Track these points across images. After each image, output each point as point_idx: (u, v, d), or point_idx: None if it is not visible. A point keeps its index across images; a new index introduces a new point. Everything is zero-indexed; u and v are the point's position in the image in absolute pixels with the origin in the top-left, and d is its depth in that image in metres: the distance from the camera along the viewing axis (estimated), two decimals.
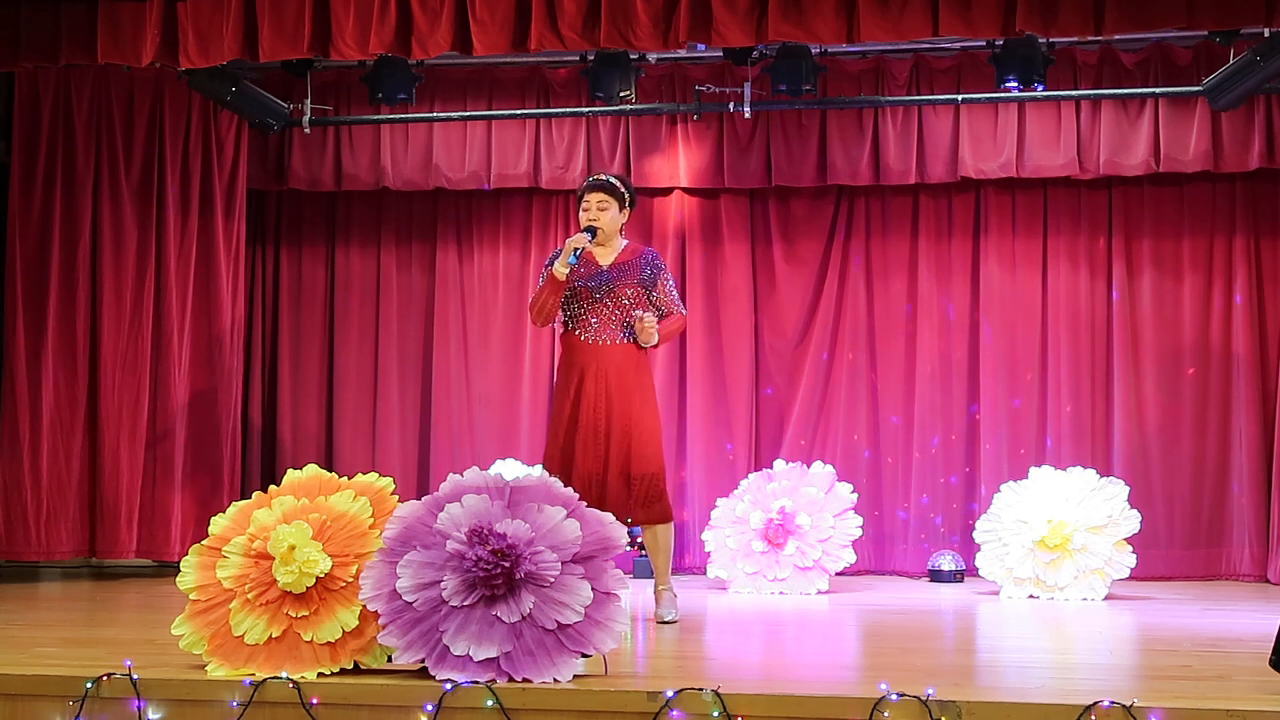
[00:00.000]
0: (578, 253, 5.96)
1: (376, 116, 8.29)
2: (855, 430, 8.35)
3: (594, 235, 6.05)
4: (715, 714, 4.11)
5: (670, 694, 4.15)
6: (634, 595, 6.82)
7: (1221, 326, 8.05)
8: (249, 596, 4.60)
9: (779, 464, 7.72)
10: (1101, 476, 7.37)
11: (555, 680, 4.31)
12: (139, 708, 4.36)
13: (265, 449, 8.69)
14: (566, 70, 8.32)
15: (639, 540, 7.74)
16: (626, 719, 4.20)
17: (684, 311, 6.28)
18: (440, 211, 8.73)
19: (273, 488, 4.87)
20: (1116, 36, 7.19)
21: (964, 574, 7.85)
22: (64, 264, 7.86)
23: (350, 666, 4.50)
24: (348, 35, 6.54)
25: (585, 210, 6.12)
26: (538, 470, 7.44)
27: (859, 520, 7.52)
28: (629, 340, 6.08)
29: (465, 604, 4.40)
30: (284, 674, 4.40)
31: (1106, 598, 7.11)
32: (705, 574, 7.71)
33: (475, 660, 4.34)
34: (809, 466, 7.66)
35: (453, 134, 8.46)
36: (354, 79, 8.14)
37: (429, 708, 4.24)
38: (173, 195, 8.07)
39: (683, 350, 8.33)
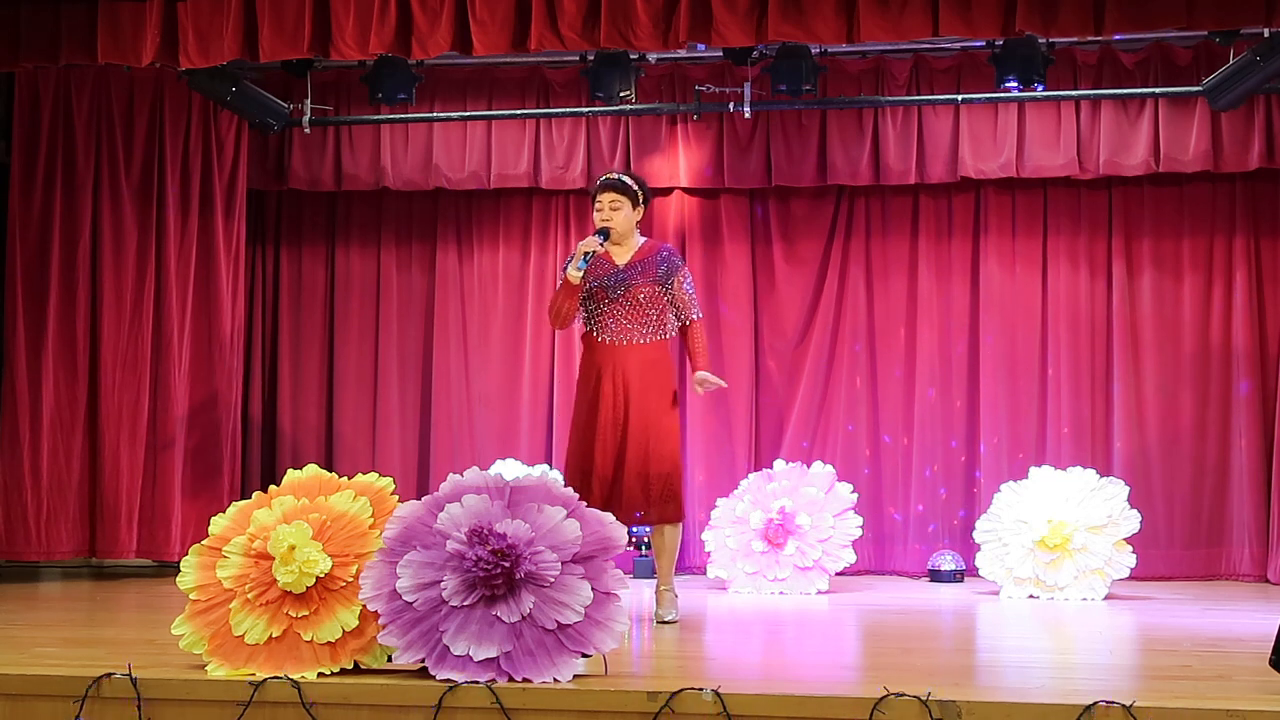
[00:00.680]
0: (588, 257, 5.96)
1: (376, 116, 8.29)
2: (855, 430, 8.35)
3: (606, 237, 6.04)
4: (715, 714, 4.11)
5: (670, 694, 4.15)
6: (634, 595, 6.83)
7: (1221, 326, 8.05)
8: (249, 596, 4.60)
9: (779, 464, 7.72)
10: (1101, 476, 7.37)
11: (555, 680, 4.31)
12: (139, 707, 4.36)
13: (265, 449, 8.69)
14: (566, 70, 8.32)
15: (644, 540, 7.77)
16: (626, 719, 4.20)
17: (699, 315, 6.22)
18: (440, 211, 8.73)
19: (273, 488, 4.87)
20: (1116, 36, 7.20)
21: (964, 574, 7.85)
22: (64, 264, 7.86)
23: (350, 666, 4.50)
24: (348, 35, 6.55)
25: (598, 211, 6.11)
26: (538, 470, 7.48)
27: (859, 520, 7.52)
28: (647, 340, 6.08)
29: (465, 604, 4.40)
30: (284, 674, 4.40)
31: (1106, 598, 7.11)
32: (705, 574, 7.71)
33: (475, 660, 4.34)
34: (809, 466, 7.66)
35: (453, 134, 8.46)
36: (354, 79, 8.13)
37: (429, 708, 4.23)
38: (173, 195, 8.07)
39: (683, 351, 8.33)
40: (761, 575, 7.40)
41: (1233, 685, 4.49)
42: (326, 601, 4.55)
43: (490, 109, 8.41)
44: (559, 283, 6.11)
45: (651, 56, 7.88)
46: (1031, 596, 7.16)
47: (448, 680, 4.29)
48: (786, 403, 8.42)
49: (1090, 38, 6.43)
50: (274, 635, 4.53)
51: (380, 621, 4.43)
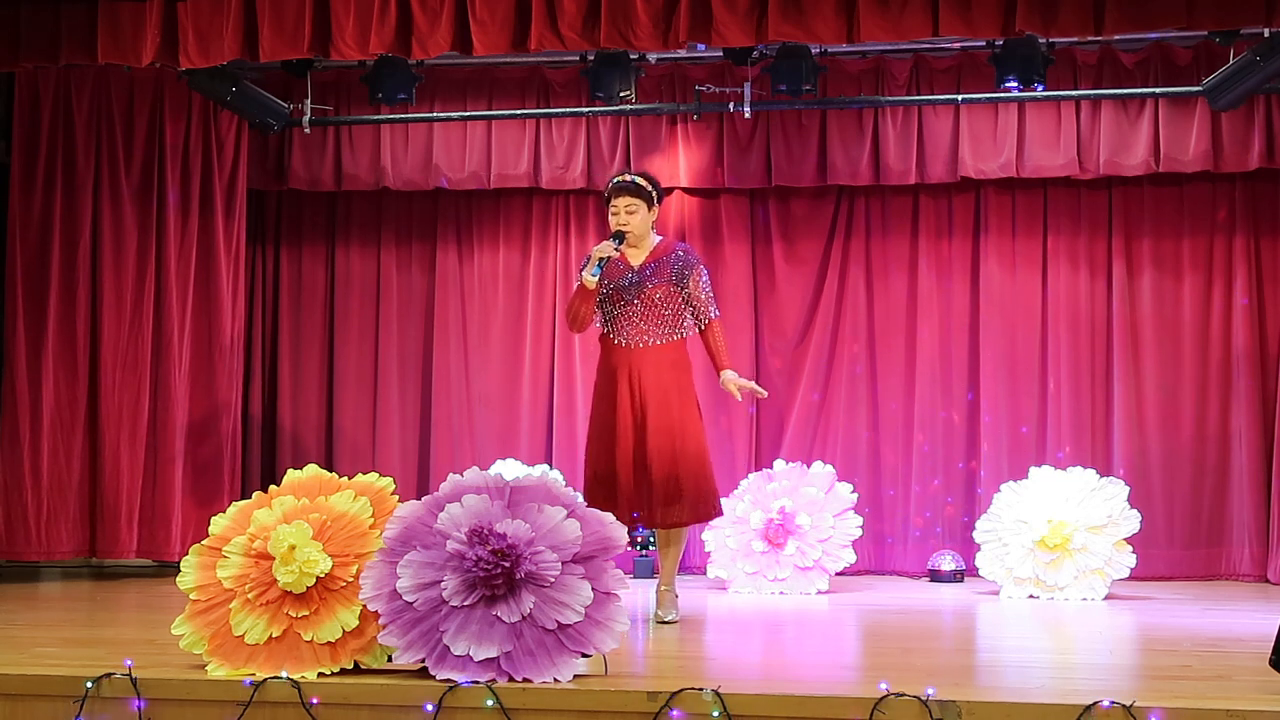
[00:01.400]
0: (603, 262, 5.96)
1: (376, 116, 8.29)
2: (855, 430, 8.35)
3: (621, 240, 6.04)
4: (715, 714, 4.11)
5: (670, 694, 4.15)
6: (634, 595, 6.83)
7: (1221, 326, 8.05)
8: (249, 596, 4.60)
9: (779, 464, 7.72)
10: (1101, 476, 7.37)
11: (555, 680, 4.32)
12: (139, 708, 4.36)
13: (265, 449, 8.69)
14: (566, 70, 8.32)
15: (645, 540, 7.77)
16: (626, 719, 4.20)
17: (716, 314, 6.20)
18: (440, 211, 8.73)
19: (273, 488, 4.87)
20: (1116, 36, 7.20)
21: (964, 574, 7.85)
22: (64, 264, 7.85)
23: (350, 666, 4.50)
24: (348, 35, 6.54)
25: (614, 215, 6.10)
26: (538, 470, 7.48)
27: (859, 520, 7.52)
28: (663, 340, 6.07)
29: (465, 604, 4.41)
30: (284, 674, 4.41)
31: (1106, 598, 7.11)
32: (705, 574, 7.71)
33: (475, 660, 4.34)
34: (809, 466, 7.66)
35: (453, 134, 8.46)
36: (354, 79, 8.13)
37: (429, 708, 4.24)
38: (173, 195, 8.06)
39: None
40: (761, 575, 7.40)
41: (1233, 685, 4.49)
42: (326, 601, 4.55)
43: (490, 109, 8.41)
44: (575, 286, 6.11)
45: (651, 56, 7.87)
46: (1031, 596, 7.16)
47: (448, 680, 4.29)
48: (786, 403, 8.41)
49: (1090, 38, 6.43)
50: (274, 635, 4.53)
51: (380, 621, 4.44)
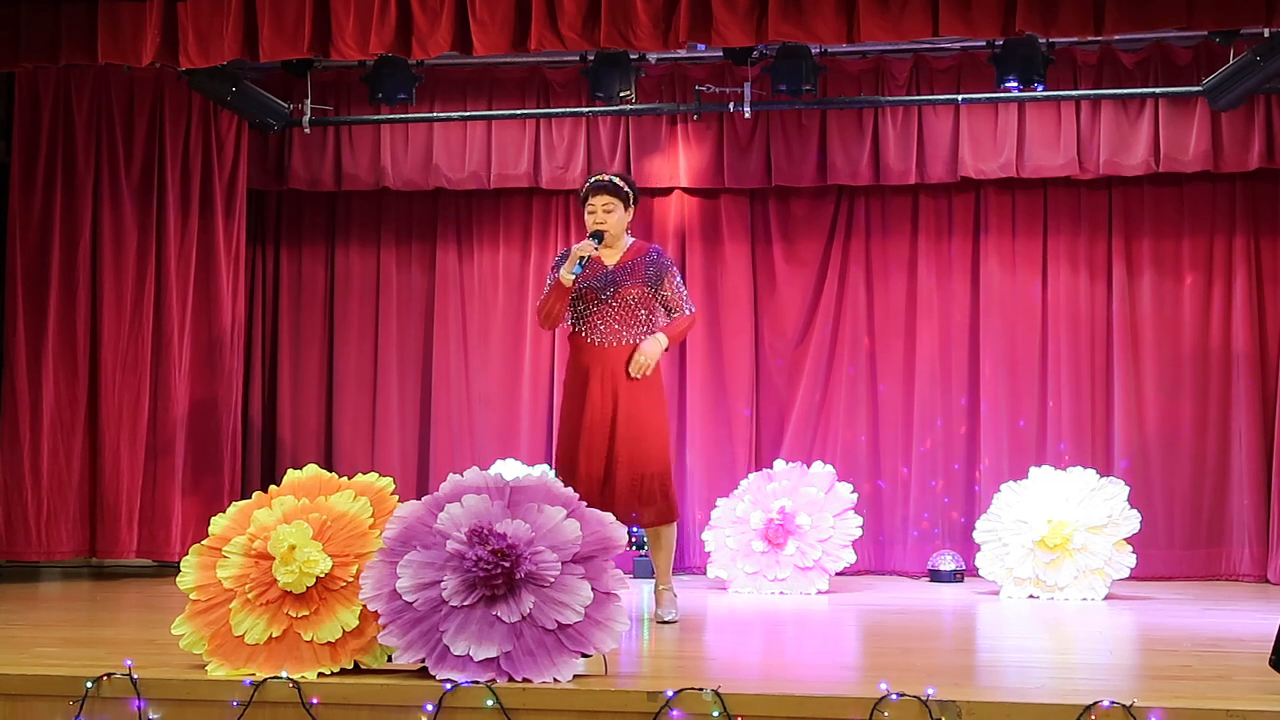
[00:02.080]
0: (583, 261, 5.96)
1: (376, 116, 8.29)
2: (855, 430, 8.35)
3: (600, 240, 6.05)
4: (715, 714, 4.11)
5: (670, 694, 4.15)
6: (634, 595, 6.83)
7: (1221, 326, 8.05)
8: (249, 596, 4.60)
9: (779, 464, 7.72)
10: (1101, 476, 7.37)
11: (555, 680, 4.31)
12: (139, 708, 4.36)
13: (265, 449, 8.69)
14: (566, 70, 8.32)
15: (644, 540, 7.77)
16: (626, 719, 4.20)
17: (692, 310, 6.21)
18: (440, 211, 8.73)
19: (273, 488, 4.87)
20: (1116, 36, 7.20)
21: (964, 574, 7.85)
22: (64, 264, 7.85)
23: (350, 666, 4.50)
24: (348, 35, 6.54)
25: (591, 213, 6.11)
26: (538, 470, 7.47)
27: (859, 520, 7.52)
28: (636, 341, 6.07)
29: (465, 604, 4.40)
30: (284, 674, 4.41)
31: (1106, 598, 7.11)
32: (705, 574, 7.71)
33: (475, 660, 4.34)
34: (809, 466, 7.66)
35: (453, 134, 8.46)
36: (354, 79, 8.13)
37: (429, 708, 4.24)
38: (173, 195, 8.06)
39: (683, 350, 8.32)
40: (761, 575, 7.40)
41: (1233, 685, 4.49)
42: (326, 601, 4.55)
43: (490, 109, 8.41)
44: (549, 284, 6.11)
45: (651, 56, 7.88)
46: (1031, 596, 7.16)
47: (448, 680, 4.29)
48: (786, 403, 8.42)
49: (1090, 38, 6.43)
50: (274, 635, 4.53)
51: (380, 621, 4.43)
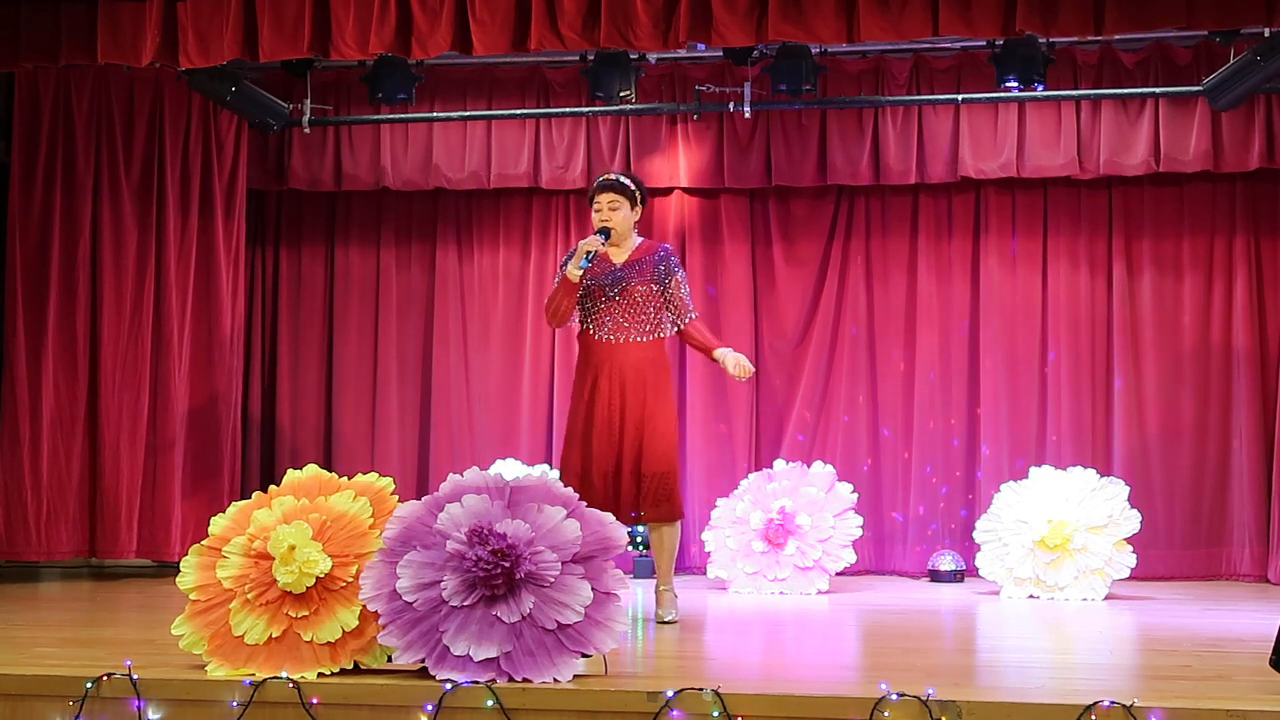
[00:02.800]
0: (589, 256, 5.97)
1: (376, 116, 8.29)
2: (855, 430, 8.35)
3: (607, 237, 6.06)
4: (715, 714, 4.11)
5: (670, 694, 4.15)
6: (634, 595, 6.83)
7: (1221, 326, 8.05)
8: (249, 596, 4.60)
9: (779, 464, 7.72)
10: (1101, 476, 7.37)
11: (555, 680, 4.31)
12: (139, 708, 4.36)
13: (265, 449, 8.69)
14: (566, 70, 8.32)
15: (640, 540, 7.77)
16: (626, 719, 4.20)
17: (695, 315, 6.21)
18: (440, 211, 8.73)
19: (273, 488, 4.87)
20: (1116, 36, 7.19)
21: (964, 574, 7.85)
22: (64, 264, 7.86)
23: (350, 666, 4.50)
24: (348, 35, 6.54)
25: (597, 211, 6.12)
26: (538, 470, 7.48)
27: (859, 520, 7.52)
28: (644, 338, 6.08)
29: (465, 604, 4.41)
30: (284, 674, 4.41)
31: (1106, 598, 7.11)
32: (705, 574, 7.71)
33: (475, 660, 4.34)
34: (809, 466, 7.66)
35: (453, 134, 8.46)
36: (354, 79, 8.13)
37: (429, 708, 4.24)
38: (173, 195, 8.06)
39: (684, 351, 8.33)
40: (761, 575, 7.40)
41: (1233, 685, 4.49)
42: (326, 601, 4.55)
43: (490, 109, 8.41)
44: (557, 280, 6.12)
45: (651, 56, 7.87)
46: (1031, 596, 7.16)
47: (448, 680, 4.29)
48: (786, 403, 8.42)
49: (1090, 38, 6.43)
50: (274, 635, 4.53)
51: (380, 621, 4.43)
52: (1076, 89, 7.92)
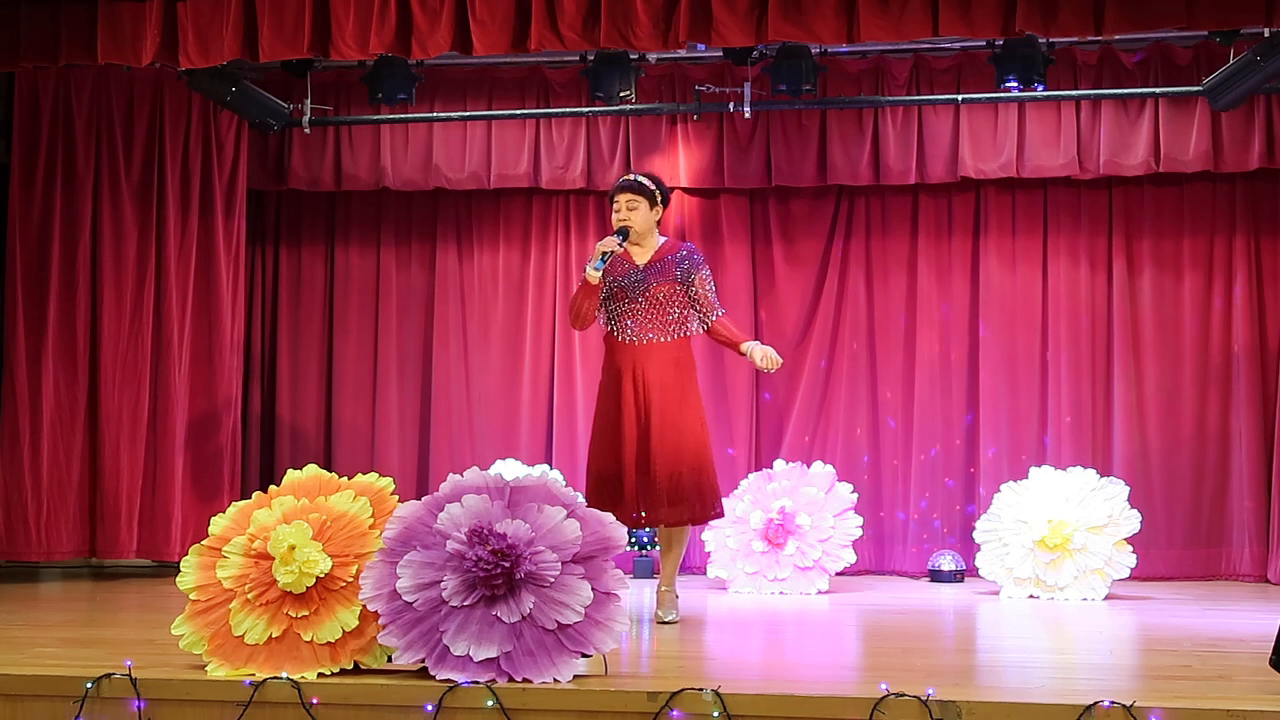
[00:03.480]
0: (606, 257, 5.97)
1: (376, 116, 8.29)
2: (855, 430, 8.35)
3: (625, 236, 6.05)
4: (715, 714, 4.11)
5: (670, 694, 4.15)
6: (634, 595, 6.83)
7: (1222, 326, 8.05)
8: (249, 596, 4.60)
9: (779, 464, 7.72)
10: (1101, 476, 7.37)
11: (555, 680, 4.32)
12: (139, 708, 4.36)
13: (265, 449, 8.69)
14: (566, 70, 8.32)
15: (649, 539, 7.78)
16: (626, 719, 4.20)
17: (722, 312, 6.20)
18: (440, 211, 8.73)
19: (273, 488, 4.87)
20: (1116, 36, 7.19)
21: (964, 574, 7.85)
22: (64, 264, 7.86)
23: (350, 666, 4.50)
24: (348, 35, 6.54)
25: (616, 212, 6.13)
26: (538, 470, 7.48)
27: (859, 520, 7.52)
28: (668, 338, 6.08)
29: (465, 604, 4.41)
30: (284, 674, 4.41)
31: (1106, 598, 7.11)
32: (705, 574, 7.71)
33: (475, 660, 4.34)
34: (809, 466, 7.66)
35: (453, 134, 8.46)
36: (354, 79, 8.13)
37: (429, 708, 4.24)
38: (173, 195, 8.06)
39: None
40: (761, 575, 7.40)
41: (1233, 685, 4.49)
42: (326, 601, 4.55)
43: (490, 109, 8.41)
44: (579, 283, 6.11)
45: (651, 56, 7.88)
46: (1031, 596, 7.16)
47: (448, 680, 4.29)
48: (786, 402, 8.42)
49: (1090, 38, 6.43)
50: (274, 635, 4.53)
51: (380, 621, 4.44)
52: (1076, 89, 7.92)
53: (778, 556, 7.39)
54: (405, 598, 4.42)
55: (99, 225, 7.94)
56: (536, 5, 6.38)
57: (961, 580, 7.84)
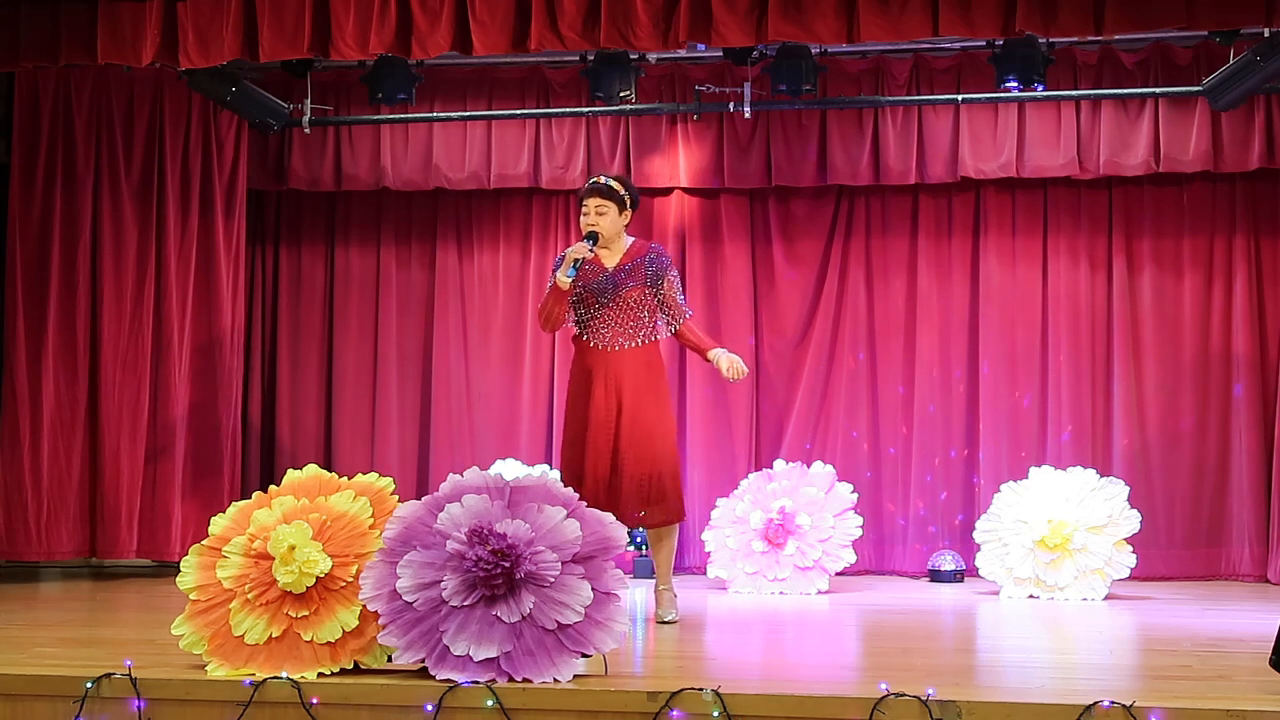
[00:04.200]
0: (578, 263, 5.95)
1: (376, 116, 8.29)
2: (855, 430, 8.35)
3: (595, 241, 6.03)
4: (715, 714, 4.11)
5: (670, 694, 4.15)
6: (634, 595, 6.83)
7: (1221, 326, 8.05)
8: (249, 596, 4.60)
9: (779, 464, 7.72)
10: (1101, 476, 7.37)
11: (555, 680, 4.31)
12: (139, 708, 4.36)
13: (265, 449, 8.70)
14: (566, 70, 8.32)
15: (640, 540, 7.78)
16: (626, 719, 4.20)
17: (689, 313, 6.18)
18: (440, 211, 8.73)
19: (273, 488, 4.87)
20: (1116, 36, 7.19)
21: (964, 574, 7.85)
22: (64, 264, 7.86)
23: (350, 666, 4.50)
24: (348, 35, 6.54)
25: (584, 216, 6.11)
26: (538, 470, 7.48)
27: (859, 520, 7.52)
28: (639, 342, 6.07)
29: (465, 604, 4.41)
30: (284, 674, 4.41)
31: (1106, 598, 7.11)
32: (705, 574, 7.71)
33: (475, 660, 4.34)
34: (809, 466, 7.66)
35: (453, 134, 8.46)
36: (354, 79, 8.14)
37: (429, 708, 4.24)
38: (173, 195, 8.07)
39: (683, 350, 8.32)
40: (761, 575, 7.40)
41: (1233, 685, 4.49)
42: (326, 601, 4.55)
43: (490, 109, 8.41)
44: (549, 287, 6.10)
45: (651, 56, 7.88)
46: (1031, 596, 7.16)
47: (448, 680, 4.29)
48: (786, 403, 8.42)
49: (1090, 38, 6.43)
50: (274, 635, 4.53)
51: (380, 621, 4.43)
52: (1076, 89, 7.92)
53: (778, 556, 7.39)
54: (405, 598, 4.42)
55: (99, 225, 7.94)
56: (536, 5, 6.39)
57: (961, 580, 7.84)
